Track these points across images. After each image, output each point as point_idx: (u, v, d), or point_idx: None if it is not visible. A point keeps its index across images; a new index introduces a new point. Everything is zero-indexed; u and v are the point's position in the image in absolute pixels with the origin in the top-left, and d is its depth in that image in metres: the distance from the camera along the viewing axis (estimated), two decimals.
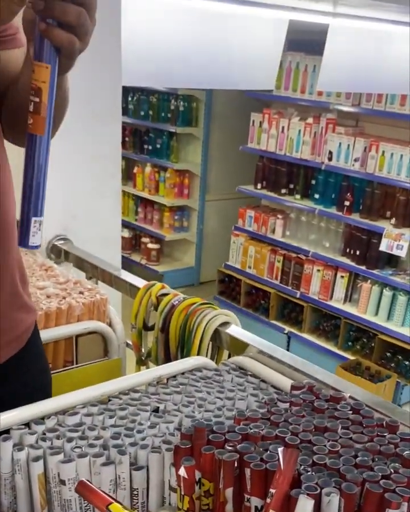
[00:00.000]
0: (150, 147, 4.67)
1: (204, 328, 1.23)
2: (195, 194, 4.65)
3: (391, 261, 3.49)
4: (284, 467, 0.70)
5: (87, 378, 1.29)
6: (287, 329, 3.78)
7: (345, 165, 3.45)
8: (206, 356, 1.24)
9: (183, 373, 1.04)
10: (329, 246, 3.62)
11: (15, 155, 0.92)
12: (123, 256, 5.20)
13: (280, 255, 3.82)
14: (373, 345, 3.40)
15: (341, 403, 0.87)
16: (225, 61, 2.03)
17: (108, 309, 1.40)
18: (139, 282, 1.48)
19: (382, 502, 0.67)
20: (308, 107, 3.69)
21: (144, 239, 4.83)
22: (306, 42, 3.45)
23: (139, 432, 0.85)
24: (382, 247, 3.28)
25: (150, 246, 4.74)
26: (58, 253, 1.72)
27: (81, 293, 1.37)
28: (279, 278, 3.83)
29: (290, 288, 3.77)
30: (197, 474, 0.77)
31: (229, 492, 0.75)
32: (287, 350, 3.73)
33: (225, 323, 1.26)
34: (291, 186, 3.82)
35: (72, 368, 1.31)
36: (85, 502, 0.79)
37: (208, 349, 1.25)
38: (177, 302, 1.30)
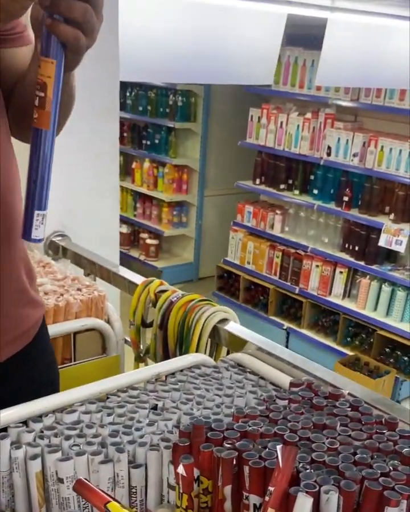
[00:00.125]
0: (149, 142, 4.66)
1: (203, 325, 1.23)
2: (194, 189, 4.64)
3: (390, 256, 3.49)
4: (283, 465, 0.69)
5: (86, 375, 1.29)
6: (286, 324, 3.78)
7: (344, 160, 3.44)
8: (205, 353, 1.23)
9: (181, 370, 1.04)
10: (328, 242, 3.62)
11: (22, 150, 0.92)
12: (121, 252, 5.20)
13: (279, 250, 3.82)
14: (372, 340, 3.40)
15: (340, 400, 0.87)
16: (223, 56, 2.02)
17: (106, 306, 1.39)
18: (138, 278, 1.47)
19: (382, 499, 0.67)
20: (307, 102, 3.68)
21: (143, 235, 4.82)
22: (305, 36, 3.43)
23: (137, 429, 0.85)
24: (381, 243, 3.27)
25: (148, 241, 4.73)
26: (56, 249, 1.72)
27: (79, 290, 1.37)
28: (278, 274, 3.83)
29: (289, 283, 3.77)
30: (196, 472, 0.76)
31: (227, 490, 0.75)
32: (286, 345, 3.73)
33: (224, 320, 1.26)
34: (290, 181, 3.81)
35: (70, 365, 1.30)
36: (84, 500, 0.79)
37: (206, 346, 1.25)
38: (175, 298, 1.29)
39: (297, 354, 1.13)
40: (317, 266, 3.62)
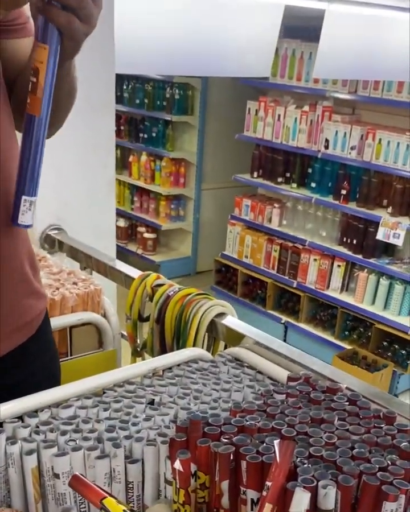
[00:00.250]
0: (146, 136, 4.64)
1: (200, 319, 1.22)
2: (191, 183, 4.63)
3: (388, 250, 3.49)
4: (280, 460, 0.69)
5: (82, 369, 1.28)
6: (284, 318, 3.78)
7: (342, 153, 3.42)
8: (202, 347, 1.23)
9: (178, 365, 1.03)
10: (326, 235, 3.61)
11: None
12: (119, 246, 5.19)
13: (277, 244, 3.81)
14: (369, 334, 3.41)
15: (337, 394, 0.86)
16: (220, 48, 2.00)
17: (102, 300, 1.38)
18: (134, 272, 1.46)
19: (380, 494, 0.67)
20: (305, 95, 3.66)
21: (140, 229, 4.81)
22: (302, 29, 3.41)
23: (134, 424, 0.85)
24: (379, 236, 3.27)
25: (146, 235, 4.72)
26: (51, 243, 1.71)
27: (75, 283, 1.36)
28: (276, 267, 3.83)
29: (286, 277, 3.77)
30: (193, 467, 0.76)
31: (225, 485, 0.74)
32: (284, 340, 3.73)
33: (221, 314, 1.25)
34: (288, 174, 3.79)
35: (66, 360, 1.30)
36: (80, 495, 0.78)
37: (204, 340, 1.24)
38: (172, 292, 1.28)
39: (295, 348, 1.13)
40: (315, 260, 3.62)
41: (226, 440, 0.75)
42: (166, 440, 0.79)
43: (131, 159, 4.80)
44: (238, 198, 4.04)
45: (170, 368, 1.03)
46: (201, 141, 4.48)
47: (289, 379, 0.90)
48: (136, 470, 0.80)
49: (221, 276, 4.25)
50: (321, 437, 0.76)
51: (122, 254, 4.68)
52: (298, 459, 0.72)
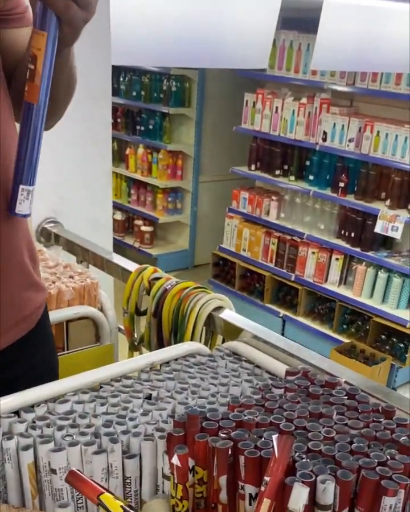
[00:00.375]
0: (143, 128, 4.61)
1: (198, 313, 1.21)
2: (189, 175, 4.61)
3: (386, 243, 3.48)
4: (278, 455, 0.69)
5: (79, 364, 1.28)
6: (282, 312, 3.78)
7: (340, 146, 3.41)
8: (200, 341, 1.22)
9: (176, 359, 1.03)
10: (324, 228, 3.60)
11: None
12: (116, 239, 5.18)
13: (275, 237, 3.80)
14: (368, 327, 3.40)
15: (336, 388, 0.86)
16: (217, 40, 1.98)
17: (99, 294, 1.37)
18: (131, 266, 1.45)
19: (379, 489, 0.66)
20: (302, 87, 3.64)
21: (138, 222, 4.79)
22: (300, 20, 3.38)
23: (131, 419, 0.84)
24: (377, 229, 3.26)
25: (143, 228, 4.71)
26: (48, 236, 1.70)
27: (71, 277, 1.35)
28: (274, 261, 3.82)
29: (284, 271, 3.76)
30: (191, 462, 0.76)
31: (223, 480, 0.74)
32: (282, 333, 3.73)
33: (219, 308, 1.25)
34: (286, 167, 3.78)
35: (63, 354, 1.29)
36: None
37: (201, 334, 1.23)
38: (170, 286, 1.28)
39: (293, 342, 1.12)
40: (313, 253, 3.61)
41: (224, 435, 0.74)
42: (164, 435, 0.79)
43: (128, 151, 4.78)
44: (236, 190, 4.03)
45: (168, 362, 1.02)
46: (198, 134, 4.46)
47: (287, 373, 0.90)
48: (134, 465, 0.80)
49: (219, 270, 4.24)
50: (320, 432, 0.76)
51: (119, 247, 4.67)
52: (297, 454, 0.71)
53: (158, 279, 1.33)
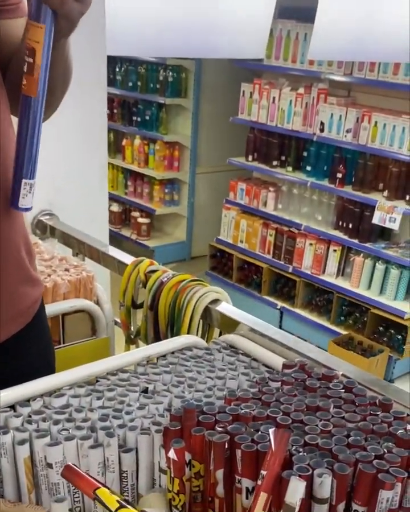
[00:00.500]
0: (139, 119, 4.58)
1: (194, 306, 1.21)
2: (185, 166, 4.59)
3: (384, 234, 3.47)
4: (275, 448, 0.68)
5: (75, 357, 1.27)
6: (280, 304, 3.77)
7: (337, 136, 3.39)
8: (197, 334, 1.22)
9: (172, 352, 1.02)
10: (321, 219, 3.59)
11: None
12: (113, 231, 5.14)
13: (272, 228, 3.79)
14: (365, 319, 3.40)
15: (333, 382, 0.85)
16: (213, 29, 1.96)
17: (95, 287, 1.37)
18: (127, 258, 1.45)
19: (376, 482, 0.66)
20: (300, 77, 3.61)
21: (134, 214, 4.77)
22: (297, 9, 3.35)
23: (127, 413, 0.84)
24: (375, 220, 3.25)
25: (140, 220, 4.69)
26: (43, 229, 1.69)
27: (67, 270, 1.34)
28: (271, 252, 3.81)
29: (282, 262, 3.75)
30: (188, 456, 0.75)
31: (219, 473, 0.74)
32: (280, 326, 3.73)
33: (216, 301, 1.24)
34: (283, 158, 3.76)
35: (59, 348, 1.28)
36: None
37: (198, 327, 1.23)
38: (166, 279, 1.27)
39: (290, 334, 1.12)
40: (311, 244, 3.60)
41: (220, 429, 0.74)
42: (160, 429, 0.79)
43: (124, 142, 4.75)
44: (233, 182, 4.01)
45: (164, 356, 1.02)
46: (195, 125, 4.44)
47: (284, 366, 0.89)
48: (130, 459, 0.79)
49: (216, 261, 4.23)
50: (316, 425, 0.75)
51: (116, 239, 4.65)
52: (294, 447, 0.71)
53: (154, 271, 1.32)
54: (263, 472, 0.68)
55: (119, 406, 0.86)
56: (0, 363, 0.95)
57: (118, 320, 1.43)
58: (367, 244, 3.36)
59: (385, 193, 3.28)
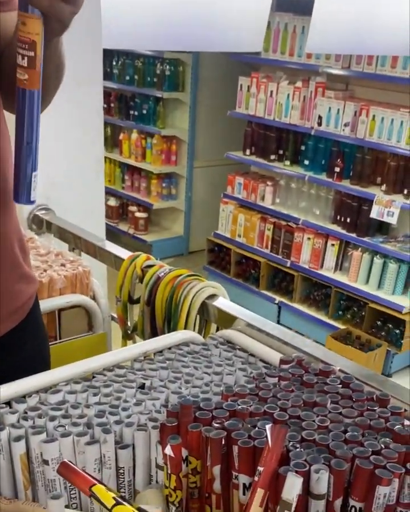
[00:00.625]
0: (136, 113, 4.56)
1: (191, 301, 1.20)
2: (183, 160, 4.57)
3: (382, 228, 3.47)
4: (272, 445, 0.68)
5: (71, 353, 1.27)
6: (278, 298, 3.77)
7: (335, 130, 3.38)
8: (194, 330, 1.21)
9: (169, 348, 1.02)
10: (319, 213, 3.59)
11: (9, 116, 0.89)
12: (110, 226, 5.12)
13: (270, 223, 3.78)
14: (363, 313, 3.40)
15: (330, 377, 0.85)
16: (210, 22, 1.94)
17: (91, 282, 1.36)
18: (124, 253, 1.44)
19: (373, 478, 0.66)
20: (297, 71, 3.60)
21: (132, 208, 4.76)
22: (295, 2, 3.33)
23: (124, 409, 0.83)
24: (373, 214, 3.25)
25: (137, 214, 4.68)
26: (39, 223, 1.68)
27: (63, 265, 1.33)
28: (269, 247, 3.81)
29: (280, 257, 3.75)
30: (184, 452, 0.75)
31: (216, 470, 0.74)
32: (278, 320, 3.73)
33: (213, 296, 1.23)
34: (281, 152, 3.75)
35: (55, 343, 1.28)
36: None
37: (195, 323, 1.22)
38: (163, 274, 1.26)
39: (288, 329, 1.11)
40: (309, 239, 3.60)
41: (217, 425, 0.74)
42: (157, 425, 0.78)
43: (121, 136, 4.73)
44: (231, 176, 4.00)
45: (161, 351, 1.01)
46: (192, 118, 4.42)
47: (281, 361, 0.89)
48: (127, 455, 0.79)
49: (214, 256, 4.23)
50: (314, 421, 0.75)
51: (114, 234, 4.64)
52: (291, 443, 0.71)
53: (150, 266, 1.32)
54: (260, 468, 0.67)
55: (115, 402, 0.86)
56: None
57: (115, 315, 1.42)
58: (365, 239, 3.36)
59: (383, 187, 3.28)
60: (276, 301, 3.77)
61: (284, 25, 3.52)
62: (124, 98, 4.66)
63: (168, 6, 1.80)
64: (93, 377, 0.93)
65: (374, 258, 3.35)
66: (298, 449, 0.70)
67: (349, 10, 2.31)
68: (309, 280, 3.69)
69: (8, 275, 0.92)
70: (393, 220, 3.19)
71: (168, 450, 0.73)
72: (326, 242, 3.55)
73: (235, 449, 0.71)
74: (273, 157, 3.76)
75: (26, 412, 0.82)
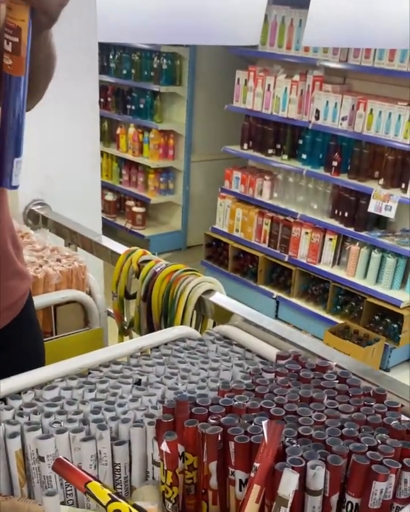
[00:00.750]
0: (133, 107, 4.54)
1: (187, 296, 1.20)
2: (180, 155, 4.56)
3: (380, 222, 3.46)
4: (268, 441, 0.68)
5: (68, 349, 1.26)
6: (276, 293, 3.77)
7: (333, 124, 3.37)
8: (190, 325, 1.21)
9: (166, 343, 1.01)
10: (317, 208, 3.58)
11: None
12: (108, 221, 5.10)
13: (268, 217, 3.78)
14: (361, 308, 3.40)
15: (327, 372, 0.85)
16: (206, 15, 1.93)
17: (87, 277, 1.35)
18: (120, 248, 1.43)
19: (369, 474, 0.66)
20: (295, 64, 3.58)
21: (129, 203, 4.75)
22: None
23: (120, 405, 0.83)
24: (371, 208, 3.24)
25: (135, 209, 4.66)
26: (35, 219, 1.67)
27: (59, 260, 1.32)
28: (267, 241, 3.80)
29: (278, 251, 3.74)
30: (180, 448, 0.75)
31: (213, 466, 0.73)
32: (276, 315, 3.73)
33: (210, 291, 1.23)
34: (278, 146, 3.74)
35: (51, 339, 1.27)
36: None
37: (192, 318, 1.22)
38: (159, 269, 1.26)
39: (285, 324, 1.11)
40: (306, 233, 3.59)
41: (214, 421, 0.74)
42: (153, 421, 0.78)
43: (118, 131, 4.71)
44: (229, 170, 3.99)
45: (157, 347, 1.01)
46: (190, 113, 4.40)
47: (278, 357, 0.89)
48: (123, 451, 0.79)
49: (212, 251, 4.22)
50: (310, 416, 0.75)
51: (111, 229, 4.63)
52: (287, 439, 0.71)
53: (147, 261, 1.31)
54: (256, 464, 0.67)
55: (111, 398, 0.85)
56: None
57: (111, 311, 1.42)
58: (363, 233, 3.36)
59: (381, 181, 3.27)
60: (274, 296, 3.77)
61: (281, 18, 3.50)
62: (122, 92, 4.64)
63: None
64: (89, 373, 0.93)
65: (372, 252, 3.35)
66: (294, 445, 0.70)
67: (347, 2, 2.29)
68: (307, 275, 3.69)
69: (1, 271, 0.91)
70: (391, 214, 3.19)
71: (165, 446, 0.73)
72: (324, 237, 3.55)
73: (231, 445, 0.71)
74: (270, 151, 3.75)
75: (21, 409, 0.81)
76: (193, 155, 4.55)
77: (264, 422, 0.69)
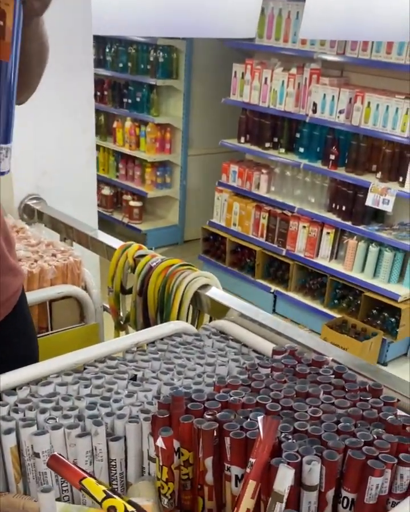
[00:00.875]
0: (130, 101, 4.52)
1: (183, 291, 1.19)
2: (177, 148, 4.54)
3: (377, 216, 3.46)
4: (264, 436, 0.68)
5: (63, 344, 1.26)
6: (273, 287, 3.76)
7: (330, 117, 3.35)
8: (187, 320, 1.20)
9: (162, 338, 1.01)
10: (314, 202, 3.57)
11: None
12: (105, 215, 5.08)
13: (265, 211, 3.77)
14: (359, 302, 3.40)
15: (323, 367, 0.84)
16: (202, 8, 1.91)
17: (83, 272, 1.34)
18: (116, 243, 1.42)
19: (365, 469, 0.66)
20: (292, 57, 3.56)
21: (126, 197, 4.73)
22: None
23: (115, 401, 0.83)
24: (368, 202, 3.23)
25: (131, 203, 4.65)
26: (31, 213, 1.65)
27: (54, 255, 1.31)
28: (264, 235, 3.79)
29: (275, 245, 3.74)
30: (176, 444, 0.75)
31: (208, 461, 0.73)
32: (273, 309, 3.72)
33: (206, 286, 1.22)
34: (275, 139, 3.72)
35: (47, 335, 1.27)
36: None
37: (188, 313, 1.21)
38: (155, 263, 1.25)
39: (282, 319, 1.11)
40: (304, 227, 3.59)
41: (209, 416, 0.73)
42: (149, 417, 0.78)
43: (115, 125, 4.68)
44: (226, 164, 3.97)
45: (153, 342, 1.00)
46: (186, 106, 4.38)
47: (274, 352, 0.88)
48: (119, 447, 0.78)
49: (209, 245, 4.21)
50: (306, 412, 0.75)
51: (108, 223, 4.62)
52: (283, 434, 0.70)
53: (143, 256, 1.30)
54: (252, 460, 0.67)
55: (107, 394, 0.85)
56: None
57: (107, 306, 1.41)
58: (361, 227, 3.35)
59: (379, 175, 3.26)
60: (271, 290, 3.77)
61: (278, 10, 3.48)
62: (118, 85, 4.61)
63: None
64: (84, 369, 0.93)
65: (370, 246, 3.35)
66: (290, 440, 0.69)
67: None
68: (305, 269, 3.68)
69: None
70: (388, 208, 3.18)
71: (160, 442, 0.73)
72: (321, 230, 3.54)
73: (227, 440, 0.71)
74: (267, 144, 3.73)
75: (16, 405, 0.81)
76: (190, 149, 4.54)
77: (260, 418, 0.69)
